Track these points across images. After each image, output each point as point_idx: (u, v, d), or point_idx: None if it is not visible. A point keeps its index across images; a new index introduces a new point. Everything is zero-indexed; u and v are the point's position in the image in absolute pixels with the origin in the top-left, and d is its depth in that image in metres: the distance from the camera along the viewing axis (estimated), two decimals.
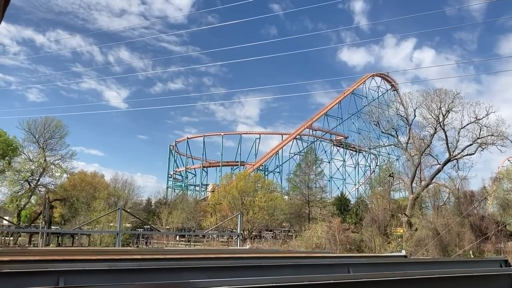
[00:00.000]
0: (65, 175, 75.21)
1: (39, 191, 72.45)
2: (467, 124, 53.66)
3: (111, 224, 59.15)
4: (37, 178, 70.43)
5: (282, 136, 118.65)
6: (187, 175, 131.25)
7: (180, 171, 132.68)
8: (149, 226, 65.88)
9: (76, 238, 61.66)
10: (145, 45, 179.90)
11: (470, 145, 54.23)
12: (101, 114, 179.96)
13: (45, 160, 70.17)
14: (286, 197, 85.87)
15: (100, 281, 5.50)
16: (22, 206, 70.59)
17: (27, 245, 56.55)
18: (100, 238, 58.52)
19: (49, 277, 5.18)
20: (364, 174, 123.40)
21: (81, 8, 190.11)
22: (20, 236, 63.69)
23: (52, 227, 68.46)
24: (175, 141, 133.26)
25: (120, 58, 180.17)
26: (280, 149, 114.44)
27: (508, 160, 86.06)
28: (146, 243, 66.67)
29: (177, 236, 71.41)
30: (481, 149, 53.90)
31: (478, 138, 53.32)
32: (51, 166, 71.49)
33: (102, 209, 65.00)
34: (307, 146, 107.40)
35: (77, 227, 48.41)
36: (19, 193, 69.20)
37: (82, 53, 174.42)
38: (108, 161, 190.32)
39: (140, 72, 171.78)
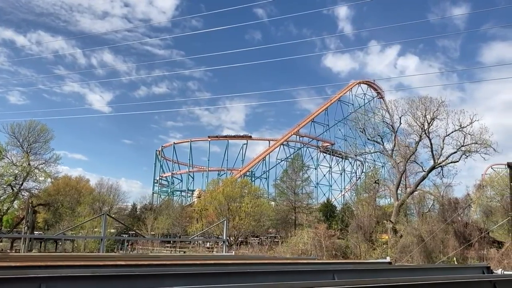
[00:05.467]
0: (49, 180, 74.31)
1: (22, 195, 71.42)
2: (452, 132, 54.33)
3: (96, 229, 58.50)
4: (21, 183, 69.37)
5: (269, 142, 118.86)
6: (173, 181, 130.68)
7: (166, 176, 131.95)
8: (134, 232, 65.32)
9: (60, 243, 60.85)
10: (129, 48, 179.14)
11: (455, 152, 54.86)
12: (84, 117, 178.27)
13: (29, 164, 69.20)
14: (272, 203, 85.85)
15: (83, 287, 5.44)
16: (4, 211, 69.42)
17: (8, 251, 55.59)
18: (84, 244, 57.85)
19: (31, 283, 5.10)
20: (350, 180, 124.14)
21: (63, 9, 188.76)
22: (1, 241, 62.63)
23: (35, 232, 67.44)
24: (162, 146, 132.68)
25: (104, 61, 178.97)
26: (267, 155, 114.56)
27: (492, 168, 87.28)
28: (131, 249, 66.02)
29: (163, 242, 70.88)
30: (465, 156, 54.55)
31: (462, 146, 53.96)
32: (35, 170, 70.53)
33: (87, 215, 64.33)
34: (294, 152, 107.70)
35: (61, 233, 47.81)
36: (2, 198, 68.10)
37: (65, 56, 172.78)
38: (92, 165, 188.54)
39: (124, 76, 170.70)
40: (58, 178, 77.40)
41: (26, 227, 62.23)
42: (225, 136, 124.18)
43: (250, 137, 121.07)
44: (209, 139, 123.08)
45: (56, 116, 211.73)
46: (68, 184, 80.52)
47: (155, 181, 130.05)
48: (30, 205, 64.27)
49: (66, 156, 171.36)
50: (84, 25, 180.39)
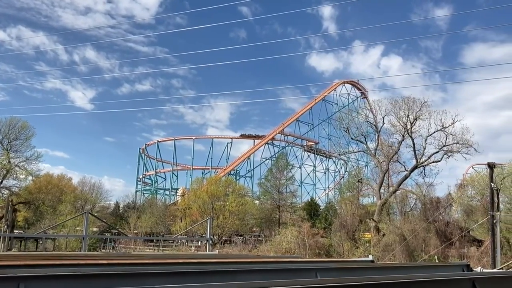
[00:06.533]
0: (30, 178, 73.23)
1: (2, 193, 70.25)
2: (434, 132, 55.10)
3: (78, 228, 57.82)
4: (0, 180, 68.24)
5: (254, 141, 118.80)
6: (156, 179, 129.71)
7: (149, 175, 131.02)
8: (117, 231, 64.71)
9: (41, 242, 59.99)
10: (112, 44, 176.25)
11: (437, 152, 55.65)
12: (66, 115, 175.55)
13: (9, 162, 68.10)
14: (257, 201, 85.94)
15: (63, 287, 5.35)
16: None
17: None
18: (66, 243, 57.17)
19: (9, 283, 4.99)
20: (334, 179, 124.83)
21: (44, 4, 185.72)
22: None
23: (15, 231, 66.37)
24: (145, 144, 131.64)
25: (86, 57, 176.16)
26: (252, 153, 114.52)
27: (473, 168, 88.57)
28: (114, 247, 65.42)
29: (146, 241, 70.39)
30: (447, 156, 55.37)
31: (444, 145, 54.77)
32: (16, 168, 69.44)
33: (69, 213, 63.56)
34: (278, 151, 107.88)
35: (42, 231, 47.13)
36: None
37: (46, 52, 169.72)
38: (74, 163, 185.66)
39: (107, 72, 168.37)
40: (40, 176, 76.32)
41: (5, 226, 61.20)
42: (255, 136, 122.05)
43: (273, 138, 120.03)
44: (241, 138, 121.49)
45: (37, 113, 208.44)
46: (49, 182, 79.48)
47: (139, 179, 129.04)
48: (10, 203, 63.24)
49: (48, 153, 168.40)
50: (66, 20, 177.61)
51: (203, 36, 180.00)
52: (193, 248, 63.31)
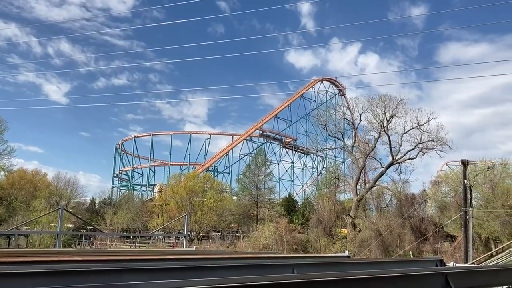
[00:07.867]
0: (2, 173, 71.67)
1: None
2: (410, 130, 56.03)
3: (52, 224, 56.79)
4: None
5: (232, 137, 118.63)
6: (133, 175, 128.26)
7: (126, 171, 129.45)
8: (92, 227, 63.79)
9: (13, 239, 58.67)
10: (87, 37, 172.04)
11: (412, 149, 56.62)
12: (40, 109, 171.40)
13: None
14: (235, 198, 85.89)
15: (35, 285, 5.24)
16: None
17: None
18: (39, 240, 56.06)
19: None
20: (311, 176, 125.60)
21: None
22: None
23: None
24: (122, 140, 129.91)
25: (61, 50, 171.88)
26: (230, 149, 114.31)
27: (447, 165, 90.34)
28: (91, 244, 64.54)
29: (122, 237, 69.61)
30: (422, 153, 56.40)
31: (420, 143, 55.76)
32: None
33: (43, 209, 62.35)
34: (257, 148, 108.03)
35: (14, 228, 46.10)
36: None
37: (19, 44, 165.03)
38: (48, 158, 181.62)
39: (82, 66, 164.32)
40: (13, 171, 74.69)
41: None
42: (271, 137, 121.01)
43: (284, 141, 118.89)
44: (261, 137, 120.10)
45: (10, 107, 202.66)
46: (23, 177, 77.76)
47: (115, 175, 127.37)
48: None
49: (21, 148, 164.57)
50: (40, 12, 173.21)
51: (180, 30, 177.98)
52: (180, 245, 62.90)
